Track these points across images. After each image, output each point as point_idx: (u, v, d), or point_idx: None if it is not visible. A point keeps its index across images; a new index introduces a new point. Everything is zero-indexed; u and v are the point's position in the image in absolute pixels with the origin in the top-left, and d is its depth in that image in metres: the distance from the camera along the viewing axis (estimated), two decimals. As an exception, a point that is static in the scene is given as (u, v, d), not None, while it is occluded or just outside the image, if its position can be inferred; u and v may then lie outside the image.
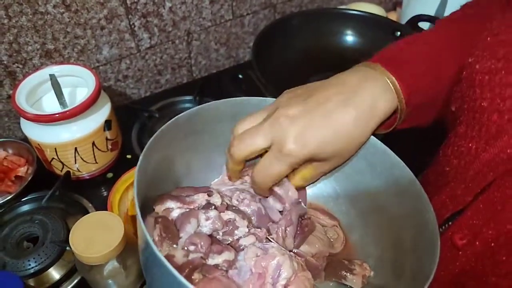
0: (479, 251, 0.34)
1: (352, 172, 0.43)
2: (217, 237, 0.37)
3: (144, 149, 0.36)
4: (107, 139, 0.69)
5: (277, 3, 0.96)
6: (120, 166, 0.73)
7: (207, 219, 0.37)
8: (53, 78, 0.64)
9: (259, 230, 0.38)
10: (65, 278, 0.58)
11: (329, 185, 0.45)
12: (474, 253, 0.34)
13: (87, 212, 0.66)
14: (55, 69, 0.67)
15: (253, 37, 0.98)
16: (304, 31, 0.88)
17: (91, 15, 0.74)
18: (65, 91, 0.67)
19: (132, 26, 0.80)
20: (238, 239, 0.37)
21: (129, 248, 0.53)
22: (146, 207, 0.38)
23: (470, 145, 0.37)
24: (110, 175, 0.73)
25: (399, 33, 0.82)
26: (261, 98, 0.43)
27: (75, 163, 0.67)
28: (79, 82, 0.69)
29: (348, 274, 0.38)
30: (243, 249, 0.36)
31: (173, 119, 0.39)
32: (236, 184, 0.44)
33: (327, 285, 0.40)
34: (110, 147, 0.70)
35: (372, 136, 0.40)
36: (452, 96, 0.41)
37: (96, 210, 0.60)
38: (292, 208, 0.41)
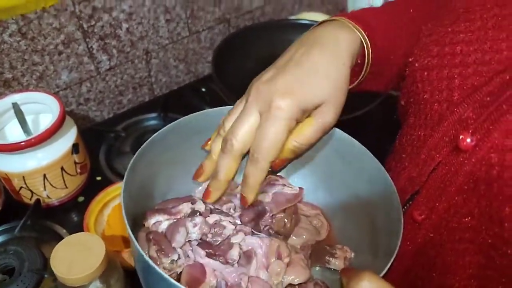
0: (435, 223, 0.38)
1: (325, 163, 0.46)
2: (207, 240, 0.40)
3: (127, 170, 0.38)
4: (75, 162, 0.69)
5: (231, 17, 1.00)
6: (90, 188, 0.73)
7: (194, 225, 0.39)
8: (16, 107, 0.64)
9: (243, 226, 0.41)
10: (46, 306, 0.57)
11: (307, 178, 0.48)
12: (431, 225, 0.39)
13: (62, 238, 0.65)
14: (17, 97, 0.66)
15: (211, 52, 1.00)
16: (259, 42, 0.91)
17: (48, 41, 0.74)
18: (28, 119, 0.67)
19: (91, 49, 0.80)
20: (229, 239, 0.39)
21: (111, 267, 0.53)
22: (135, 224, 0.40)
23: (419, 133, 0.42)
24: (81, 198, 0.72)
25: (348, 38, 0.87)
26: (230, 106, 0.45)
27: (45, 189, 0.67)
28: (41, 108, 0.69)
29: (331, 258, 0.41)
30: (235, 247, 0.38)
31: (150, 138, 0.41)
32: None
33: (313, 270, 0.42)
34: (79, 170, 0.70)
35: (337, 130, 0.44)
36: (400, 92, 0.46)
37: (71, 235, 0.59)
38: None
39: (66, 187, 0.69)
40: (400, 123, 0.49)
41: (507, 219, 0.32)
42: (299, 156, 0.41)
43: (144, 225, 0.41)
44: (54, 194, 0.68)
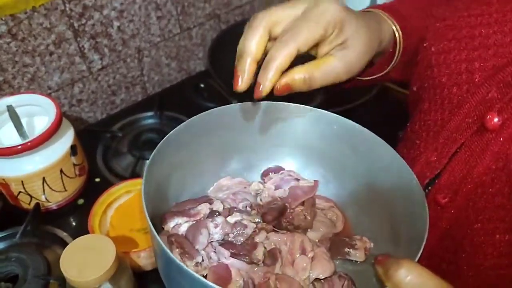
0: (461, 205, 0.39)
1: (337, 155, 0.46)
2: (229, 240, 0.39)
3: (145, 170, 0.37)
4: (74, 164, 0.67)
5: (221, 13, 0.99)
6: (90, 191, 0.71)
7: (216, 226, 0.39)
8: (11, 109, 0.62)
9: (264, 224, 0.40)
10: (53, 312, 0.56)
11: (317, 172, 0.48)
12: (457, 208, 0.39)
13: (64, 243, 0.64)
14: (11, 100, 0.64)
15: (202, 48, 1.00)
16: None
17: (38, 41, 0.72)
18: (22, 122, 0.65)
19: (82, 49, 0.79)
20: (252, 238, 0.39)
21: (121, 268, 0.52)
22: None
23: (435, 117, 0.42)
24: (81, 201, 0.71)
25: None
26: (240, 103, 0.45)
27: (44, 193, 0.65)
28: (35, 110, 0.67)
29: (351, 250, 0.40)
30: (259, 246, 0.38)
31: (165, 138, 0.40)
32: (230, 189, 0.45)
33: None
34: (78, 172, 0.69)
35: (349, 120, 0.44)
36: (412, 78, 0.46)
37: (73, 239, 0.58)
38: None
39: (66, 190, 0.68)
40: (409, 111, 0.49)
41: None
42: (306, 90, 0.38)
43: (163, 228, 0.40)
44: (53, 197, 0.67)
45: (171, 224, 0.39)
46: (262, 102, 0.45)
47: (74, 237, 0.64)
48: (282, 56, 0.34)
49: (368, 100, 0.76)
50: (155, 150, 0.39)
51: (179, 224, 0.39)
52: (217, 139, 0.45)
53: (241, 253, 0.37)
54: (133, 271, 0.56)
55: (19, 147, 0.59)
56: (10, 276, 0.58)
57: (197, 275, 0.29)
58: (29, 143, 0.60)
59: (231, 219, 0.40)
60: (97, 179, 0.75)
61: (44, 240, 0.64)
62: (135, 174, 0.73)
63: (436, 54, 0.41)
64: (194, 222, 0.39)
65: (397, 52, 0.45)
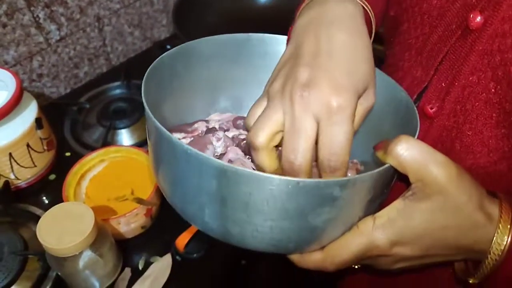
0: (450, 111, 0.38)
1: None
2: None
3: (143, 84, 0.36)
4: (41, 139, 0.65)
5: (181, -24, 0.95)
6: (61, 165, 0.69)
7: (218, 139, 0.38)
8: (-35, 83, 0.58)
9: None
10: (35, 288, 0.54)
11: None
12: (446, 114, 0.39)
13: (38, 219, 0.62)
14: (-35, 74, 0.60)
15: (165, 15, 0.96)
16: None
17: (-12, 12, 0.67)
18: (-20, 97, 0.61)
19: (37, 19, 0.74)
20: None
21: (102, 234, 0.51)
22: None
23: (416, 34, 0.42)
24: (52, 176, 0.68)
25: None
26: (229, 34, 0.43)
27: (12, 171, 0.62)
28: (-7, 85, 0.63)
29: None
30: None
31: (159, 57, 0.38)
32: (223, 120, 0.44)
33: None
34: (45, 147, 0.66)
35: None
36: (388, 3, 0.46)
37: (56, 205, 0.56)
38: None
39: (35, 166, 0.65)
40: (387, 38, 0.49)
41: None
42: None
43: None
44: (22, 174, 0.64)
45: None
46: (252, 35, 0.44)
47: (49, 212, 0.62)
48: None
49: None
50: (149, 68, 0.37)
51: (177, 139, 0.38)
52: (207, 72, 0.43)
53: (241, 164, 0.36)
54: (115, 240, 0.55)
55: (-21, 122, 0.56)
56: (-15, 256, 0.56)
57: (207, 156, 0.28)
58: (-11, 118, 0.57)
59: (229, 134, 0.40)
60: (68, 154, 0.72)
61: (17, 218, 0.62)
62: (107, 144, 0.71)
63: None
64: (192, 138, 0.39)
65: (373, 27, 0.41)
